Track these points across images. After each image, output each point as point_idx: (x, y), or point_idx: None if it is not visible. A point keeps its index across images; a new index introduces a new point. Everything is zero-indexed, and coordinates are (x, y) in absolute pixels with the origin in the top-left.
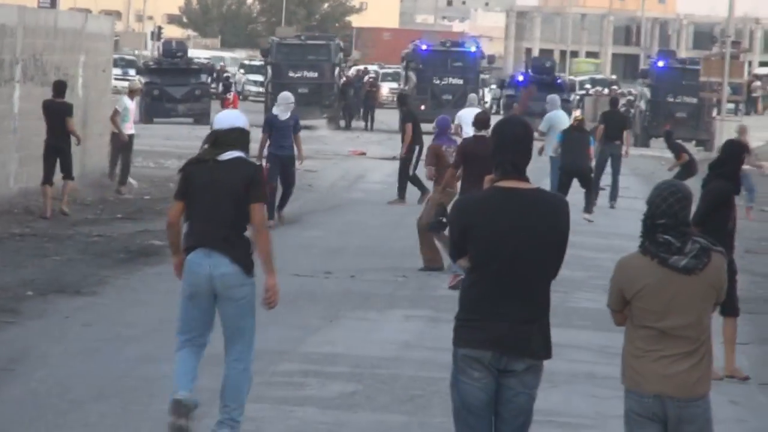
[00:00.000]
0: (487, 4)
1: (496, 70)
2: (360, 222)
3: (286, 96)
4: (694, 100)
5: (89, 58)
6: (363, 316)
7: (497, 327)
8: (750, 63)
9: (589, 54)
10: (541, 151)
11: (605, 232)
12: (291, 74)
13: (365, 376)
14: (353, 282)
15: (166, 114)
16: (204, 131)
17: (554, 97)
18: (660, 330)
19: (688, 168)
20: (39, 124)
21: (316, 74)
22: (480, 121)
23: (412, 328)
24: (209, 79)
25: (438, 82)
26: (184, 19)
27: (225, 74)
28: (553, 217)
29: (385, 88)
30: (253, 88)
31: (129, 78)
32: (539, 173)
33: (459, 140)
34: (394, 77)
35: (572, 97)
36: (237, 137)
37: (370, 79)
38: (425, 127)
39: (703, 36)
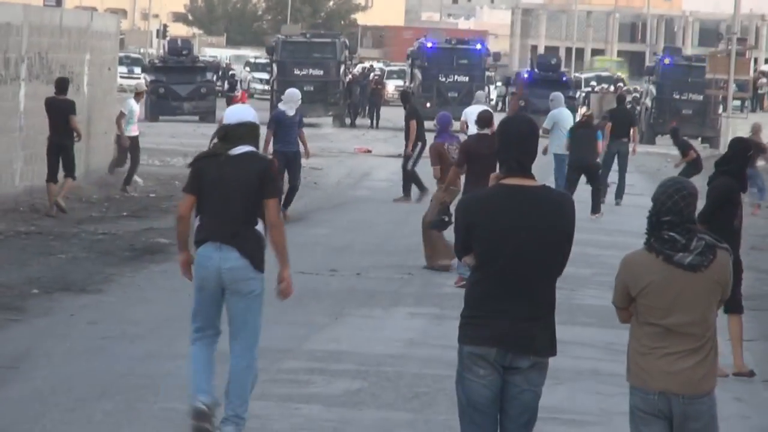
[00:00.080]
0: (492, 1)
1: (502, 68)
2: (365, 220)
3: (293, 93)
4: (700, 98)
5: (95, 57)
6: (368, 314)
7: (499, 324)
8: (756, 60)
9: (595, 51)
10: (545, 152)
11: (610, 229)
12: (296, 72)
13: (370, 373)
14: (358, 280)
15: (171, 112)
16: (209, 129)
17: (558, 95)
18: (665, 327)
19: (694, 165)
20: (44, 123)
21: (321, 72)
22: (482, 119)
23: (417, 325)
24: (215, 77)
25: (443, 79)
26: (190, 17)
27: (231, 72)
28: (557, 214)
29: (391, 86)
30: (259, 86)
31: (134, 76)
32: (546, 171)
33: (464, 137)
34: (400, 75)
35: (578, 94)
36: (247, 132)
37: (376, 77)
38: (429, 124)
39: (709, 33)
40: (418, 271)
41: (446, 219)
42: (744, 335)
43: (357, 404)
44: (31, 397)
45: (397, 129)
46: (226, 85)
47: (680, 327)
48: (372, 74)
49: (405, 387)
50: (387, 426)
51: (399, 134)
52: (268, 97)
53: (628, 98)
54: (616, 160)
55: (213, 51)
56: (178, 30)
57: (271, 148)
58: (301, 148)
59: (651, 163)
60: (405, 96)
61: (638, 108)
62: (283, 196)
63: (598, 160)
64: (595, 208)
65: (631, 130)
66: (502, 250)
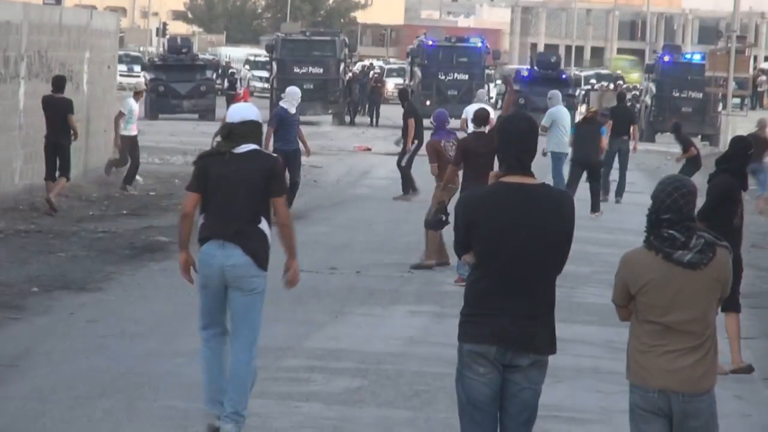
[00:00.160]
0: None
1: (502, 66)
2: (365, 218)
3: (294, 91)
4: (700, 95)
5: (94, 55)
6: (368, 312)
7: (499, 322)
8: (755, 58)
9: (595, 49)
10: (544, 153)
11: (610, 227)
12: (296, 70)
13: (370, 371)
14: (358, 278)
15: (171, 110)
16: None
17: (555, 92)
18: (665, 325)
19: (694, 162)
20: (44, 121)
21: (321, 70)
22: (479, 118)
23: (417, 323)
24: (214, 75)
25: (443, 77)
26: (189, 15)
27: (230, 70)
28: (556, 213)
29: (391, 84)
30: (258, 84)
31: (134, 74)
32: (546, 169)
33: (463, 135)
34: (399, 73)
35: (577, 91)
36: (250, 130)
37: (376, 75)
38: (429, 123)
39: (709, 31)
40: (417, 270)
41: (444, 218)
42: (744, 333)
43: (357, 402)
44: (31, 396)
45: (396, 127)
46: (225, 83)
47: (680, 325)
48: (372, 72)
49: (405, 385)
50: (387, 424)
51: (399, 132)
52: (268, 95)
53: (628, 96)
54: (616, 158)
55: (225, 51)
56: (178, 28)
57: (271, 146)
58: (301, 146)
59: (651, 160)
60: (403, 94)
61: (638, 106)
62: None
63: (602, 157)
64: (595, 207)
65: (632, 128)
66: (502, 248)
